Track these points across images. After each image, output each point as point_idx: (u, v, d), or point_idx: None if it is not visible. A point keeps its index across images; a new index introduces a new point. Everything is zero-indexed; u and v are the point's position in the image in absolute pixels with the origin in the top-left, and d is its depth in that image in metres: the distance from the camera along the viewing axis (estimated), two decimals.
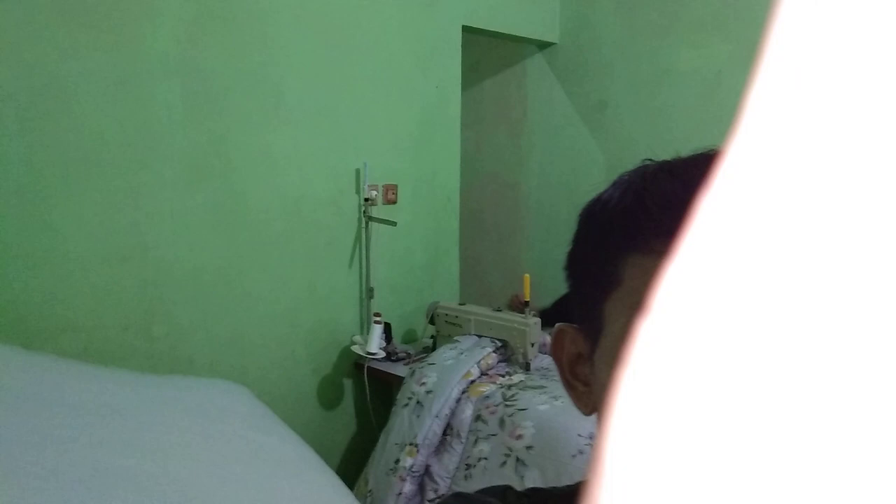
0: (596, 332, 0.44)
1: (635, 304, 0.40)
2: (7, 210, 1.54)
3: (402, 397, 2.02)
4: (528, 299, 2.14)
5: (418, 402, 1.96)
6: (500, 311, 2.20)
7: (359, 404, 2.30)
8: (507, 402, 1.85)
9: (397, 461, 1.89)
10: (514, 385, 1.93)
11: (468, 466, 1.85)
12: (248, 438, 1.60)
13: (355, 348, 2.11)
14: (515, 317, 2.13)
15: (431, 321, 2.33)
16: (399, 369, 2.18)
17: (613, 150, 2.74)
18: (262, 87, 1.98)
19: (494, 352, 2.08)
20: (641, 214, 0.41)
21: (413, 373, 2.06)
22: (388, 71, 2.31)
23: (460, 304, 2.30)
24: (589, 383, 0.46)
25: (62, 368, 1.50)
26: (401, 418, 1.98)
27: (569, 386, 0.48)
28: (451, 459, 1.90)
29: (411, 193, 2.41)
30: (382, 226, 2.23)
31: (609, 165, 2.72)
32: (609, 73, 2.74)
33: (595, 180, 2.76)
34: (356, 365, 2.24)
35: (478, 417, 1.89)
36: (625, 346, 0.21)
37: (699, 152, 0.45)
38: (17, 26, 1.51)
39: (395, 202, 2.33)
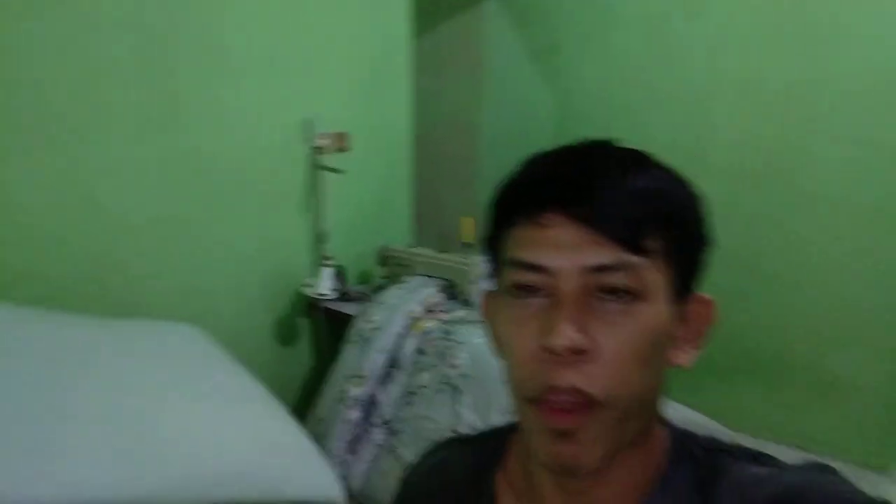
0: (495, 295, 0.54)
1: (506, 267, 0.51)
2: None
3: (351, 335, 2.17)
4: (470, 240, 2.26)
5: (365, 339, 2.11)
6: (444, 252, 2.32)
7: (315, 342, 2.46)
8: (447, 337, 2.00)
9: (344, 391, 2.05)
10: (455, 321, 2.07)
11: (410, 394, 2.02)
12: (200, 376, 1.73)
13: (306, 290, 2.24)
14: (458, 257, 2.25)
15: (383, 263, 2.46)
16: (352, 308, 2.31)
17: (564, 95, 2.80)
18: (209, 41, 2.03)
19: (440, 291, 2.21)
20: (512, 197, 0.52)
21: (362, 312, 2.20)
22: (335, 18, 2.35)
23: (409, 247, 2.41)
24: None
25: (20, 316, 1.61)
26: (349, 353, 2.13)
27: (489, 336, 0.57)
28: (395, 389, 2.06)
29: (363, 141, 2.49)
30: (335, 173, 2.32)
31: (559, 109, 2.78)
32: (560, 17, 2.77)
33: (544, 124, 2.83)
34: (312, 305, 2.38)
35: (420, 351, 2.04)
36: (503, 301, 0.48)
37: (587, 141, 0.53)
38: None
39: (346, 150, 2.41)
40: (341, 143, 2.39)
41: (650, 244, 0.47)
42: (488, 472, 0.61)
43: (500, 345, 0.53)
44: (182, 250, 2.07)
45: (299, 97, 2.28)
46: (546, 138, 1.89)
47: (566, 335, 0.45)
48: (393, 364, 2.08)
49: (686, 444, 0.54)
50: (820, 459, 0.51)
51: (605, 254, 0.46)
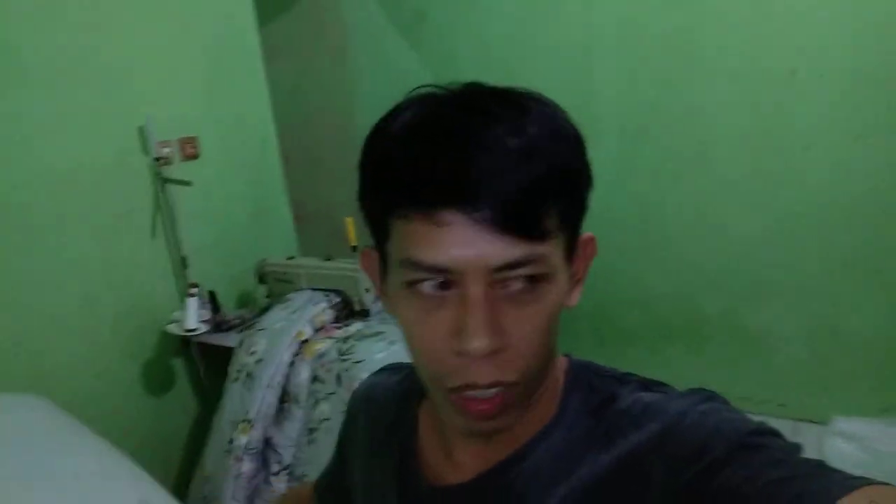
0: (384, 264, 0.52)
1: (399, 261, 0.48)
2: None
3: (232, 371, 1.85)
4: (354, 243, 1.98)
5: (248, 374, 1.80)
6: (329, 259, 2.03)
7: (194, 383, 2.11)
8: (343, 357, 1.72)
9: (231, 441, 1.74)
10: (351, 336, 1.80)
11: (311, 431, 1.73)
12: (43, 461, 1.39)
13: (171, 327, 1.89)
14: (345, 264, 1.97)
15: (262, 281, 2.14)
16: (232, 339, 1.99)
17: (439, 63, 2.56)
18: None
19: (331, 307, 1.92)
20: (398, 184, 0.46)
21: (242, 343, 1.88)
22: (163, 6, 1.98)
23: (288, 259, 2.11)
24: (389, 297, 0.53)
25: None
26: (232, 394, 1.81)
27: (382, 295, 0.55)
28: (292, 427, 1.77)
29: (218, 143, 2.14)
30: (189, 186, 1.97)
31: (436, 79, 2.54)
32: None
33: None
34: (184, 342, 2.03)
35: (315, 378, 1.76)
36: (401, 292, 0.49)
37: (462, 91, 0.49)
38: None
39: (196, 156, 2.06)
40: (188, 149, 2.04)
41: (549, 223, 0.46)
42: (413, 400, 0.65)
43: (406, 331, 0.51)
44: (0, 299, 1.67)
45: (126, 100, 1.90)
46: None
47: (481, 339, 0.45)
48: (286, 399, 1.79)
49: (582, 374, 0.56)
50: (708, 389, 0.52)
51: (510, 249, 0.45)
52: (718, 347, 2.30)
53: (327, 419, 1.71)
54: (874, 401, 2.04)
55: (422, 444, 0.62)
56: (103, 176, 1.86)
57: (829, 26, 1.89)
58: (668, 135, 2.21)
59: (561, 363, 0.57)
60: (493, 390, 0.48)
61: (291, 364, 1.79)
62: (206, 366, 2.04)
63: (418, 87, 0.51)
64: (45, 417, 1.58)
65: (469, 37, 2.45)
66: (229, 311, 2.13)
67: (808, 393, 2.12)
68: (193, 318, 1.87)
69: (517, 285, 0.46)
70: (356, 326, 1.86)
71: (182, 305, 1.98)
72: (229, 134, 2.19)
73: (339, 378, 1.70)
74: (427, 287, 0.47)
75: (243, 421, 1.75)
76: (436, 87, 0.50)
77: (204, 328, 1.92)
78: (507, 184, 0.44)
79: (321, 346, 1.79)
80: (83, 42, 1.80)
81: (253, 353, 1.82)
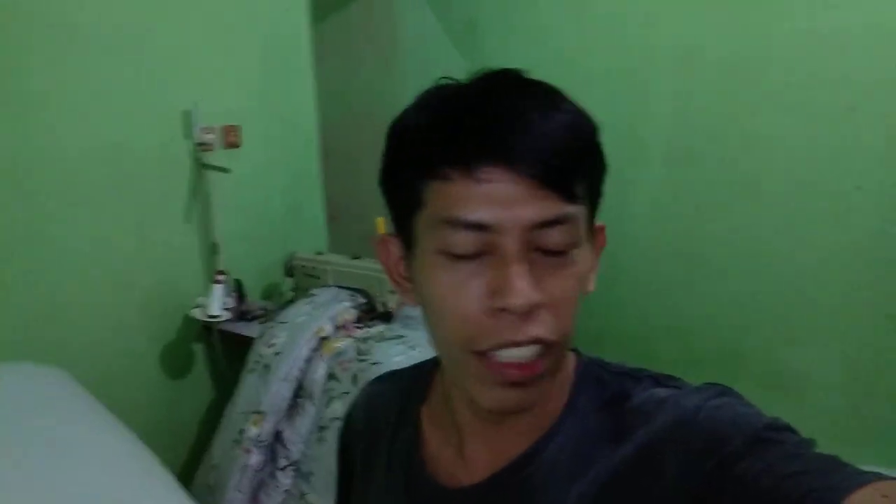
0: (409, 243, 0.52)
1: (437, 225, 0.47)
2: None
3: (249, 362, 1.84)
4: None
5: (265, 366, 1.79)
6: (358, 258, 2.02)
7: (213, 371, 2.11)
8: (361, 357, 1.70)
9: (242, 431, 1.72)
10: (372, 337, 1.78)
11: (321, 429, 1.71)
12: (58, 435, 1.39)
13: (195, 312, 1.90)
14: (373, 264, 1.96)
15: (289, 274, 2.14)
16: (254, 329, 1.98)
17: None
18: (49, 16, 1.67)
19: (354, 307, 1.90)
20: (436, 144, 0.47)
21: (263, 334, 1.87)
22: None
23: (318, 254, 2.10)
24: (411, 281, 0.53)
25: None
26: (247, 385, 1.80)
27: (396, 284, 0.56)
28: (303, 423, 1.75)
29: (261, 135, 2.16)
30: (227, 174, 1.98)
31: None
32: None
33: None
34: (206, 328, 2.03)
35: (331, 376, 1.73)
36: (432, 260, 0.48)
37: (492, 72, 0.50)
38: None
39: (237, 146, 2.08)
40: (231, 137, 2.05)
41: (579, 190, 0.48)
42: (414, 405, 0.64)
43: (433, 303, 0.50)
44: (35, 268, 1.71)
45: (176, 84, 1.93)
46: None
47: (524, 294, 0.45)
48: (300, 394, 1.77)
49: (593, 369, 0.56)
50: (722, 384, 0.51)
51: (546, 207, 0.46)
52: (751, 385, 2.17)
53: (337, 418, 1.68)
54: None
55: (427, 447, 0.61)
56: (145, 157, 1.89)
57: (890, 65, 1.82)
58: (717, 164, 2.14)
59: (570, 358, 0.57)
60: (533, 350, 0.47)
61: (309, 360, 1.77)
62: (225, 354, 2.04)
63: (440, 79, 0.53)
64: (63, 390, 1.60)
65: (520, 50, 2.43)
66: (254, 301, 2.13)
67: (841, 441, 2.01)
68: (217, 304, 1.88)
69: (550, 247, 0.47)
70: (378, 328, 1.83)
71: (208, 291, 1.98)
72: (272, 127, 2.21)
73: (355, 378, 1.67)
74: (463, 249, 0.47)
75: (256, 412, 1.73)
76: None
77: (227, 315, 1.92)
78: (547, 142, 0.45)
79: (340, 343, 1.77)
80: (141, 22, 1.84)
81: (272, 346, 1.81)
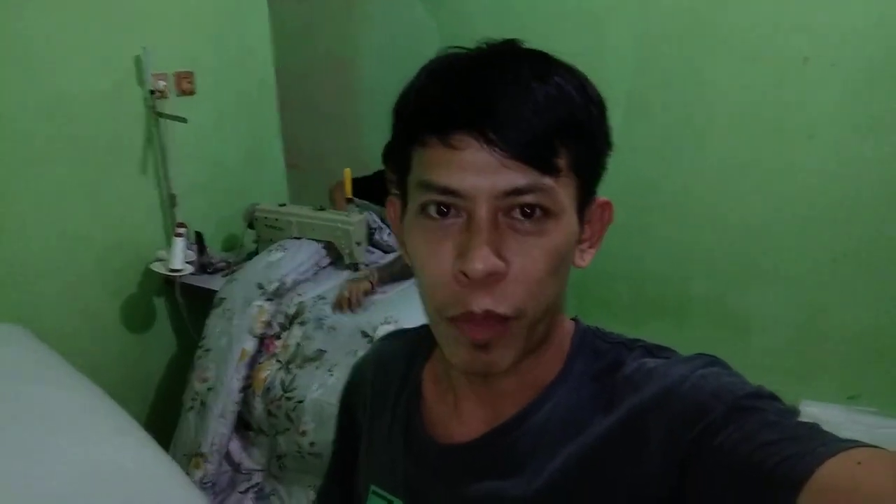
0: (403, 204, 0.54)
1: (417, 188, 0.50)
2: None
3: (186, 399, 1.81)
4: (350, 195, 1.95)
5: (202, 403, 1.77)
6: (322, 209, 2.00)
7: (175, 323, 2.09)
8: (287, 394, 1.67)
9: (187, 474, 1.71)
10: (292, 360, 1.72)
11: (279, 457, 1.72)
12: (19, 391, 1.37)
13: (156, 266, 1.87)
14: (338, 215, 1.95)
15: (251, 226, 2.11)
16: (216, 282, 1.96)
17: (450, 19, 2.49)
18: None
19: (267, 299, 1.80)
20: (419, 112, 0.50)
21: (194, 367, 1.82)
22: None
23: (280, 205, 2.08)
24: (405, 242, 0.55)
25: None
26: (186, 424, 1.78)
27: (401, 245, 0.58)
28: (261, 453, 1.78)
29: (214, 81, 2.08)
30: (184, 123, 1.92)
31: (446, 36, 2.47)
32: None
33: (431, 53, 2.52)
34: (167, 282, 2.00)
35: (269, 412, 1.72)
36: (414, 222, 0.51)
37: (491, 43, 0.52)
38: None
39: (192, 93, 2.01)
40: (185, 84, 1.98)
41: (560, 162, 0.48)
42: (417, 363, 0.66)
43: (415, 262, 0.53)
44: None
45: (125, 28, 1.84)
46: None
47: (482, 260, 0.46)
48: (250, 426, 1.77)
49: (588, 338, 0.58)
50: (710, 354, 0.52)
51: (518, 177, 0.47)
52: (701, 328, 2.31)
53: (285, 454, 1.69)
54: (843, 390, 2.08)
55: (427, 404, 0.63)
56: (97, 105, 1.81)
57: (845, 16, 1.86)
58: (673, 112, 2.17)
59: (568, 326, 0.59)
60: (488, 320, 0.49)
61: (243, 391, 1.75)
62: (188, 307, 2.02)
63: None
64: (26, 348, 1.57)
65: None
66: (215, 253, 2.11)
67: (781, 379, 2.14)
68: (179, 258, 1.85)
69: (523, 218, 0.48)
70: (295, 337, 1.75)
71: (168, 245, 1.95)
72: (228, 72, 2.13)
73: (288, 417, 1.66)
74: (436, 211, 0.49)
75: (196, 455, 1.72)
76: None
77: (189, 269, 1.90)
78: (521, 113, 0.46)
79: (266, 373, 1.74)
80: None
81: (205, 380, 1.78)
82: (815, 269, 2.06)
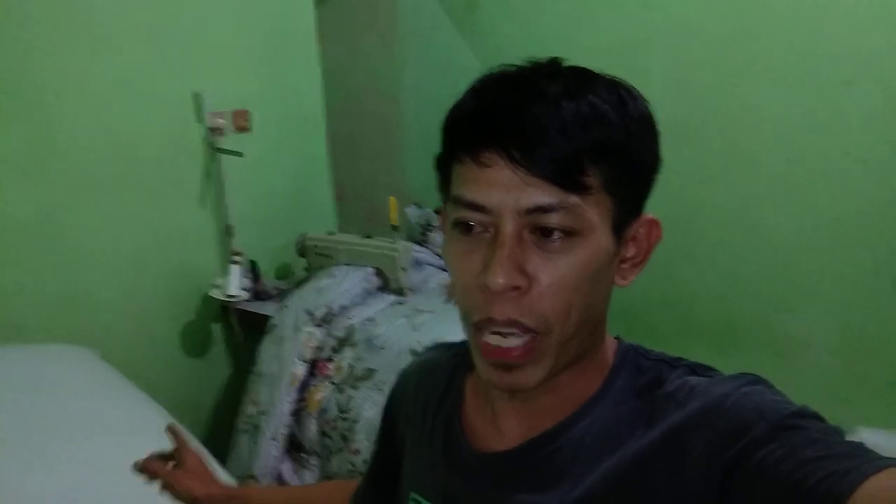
0: (446, 217, 0.56)
1: (452, 202, 0.52)
2: None
3: (239, 422, 1.88)
4: (395, 223, 2.02)
5: (255, 426, 1.83)
6: (369, 237, 2.08)
7: (231, 348, 2.18)
8: (343, 414, 1.72)
9: None
10: (345, 381, 1.76)
11: (330, 477, 1.76)
12: (88, 408, 1.46)
13: (213, 292, 1.96)
14: (384, 242, 2.02)
15: (301, 254, 2.20)
16: (270, 309, 2.04)
17: (488, 54, 2.58)
18: (67, 7, 1.70)
19: (316, 325, 1.85)
20: (457, 130, 0.53)
21: (247, 391, 1.89)
22: None
23: (329, 234, 2.16)
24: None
25: None
26: (239, 447, 1.84)
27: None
28: (311, 476, 1.81)
29: (267, 118, 2.20)
30: (239, 157, 2.03)
31: (485, 69, 2.56)
32: None
33: None
34: (223, 308, 2.10)
35: (323, 433, 1.77)
36: (450, 234, 0.54)
37: (532, 61, 0.53)
38: None
39: (246, 129, 2.12)
40: (241, 121, 2.10)
41: (589, 180, 0.48)
42: (459, 374, 0.68)
43: (450, 271, 0.55)
44: (55, 256, 1.75)
45: (185, 70, 1.97)
46: None
47: (501, 275, 0.48)
48: (302, 449, 1.81)
49: (630, 355, 0.58)
50: (754, 373, 0.52)
51: (542, 195, 0.48)
52: (747, 351, 2.29)
53: (336, 474, 1.72)
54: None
55: (468, 413, 0.65)
56: (159, 141, 1.93)
57: (887, 39, 1.87)
58: (717, 136, 2.20)
59: (611, 343, 0.59)
60: (511, 333, 0.50)
61: (296, 414, 1.80)
62: (243, 332, 2.10)
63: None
64: (93, 368, 1.66)
65: (520, 29, 2.47)
66: (269, 281, 2.19)
67: (833, 402, 2.10)
68: (236, 284, 1.94)
69: (550, 235, 0.49)
70: (347, 359, 1.79)
71: (224, 272, 2.04)
72: (279, 110, 2.25)
73: (343, 437, 1.70)
74: (466, 225, 0.52)
75: (249, 477, 1.77)
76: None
77: (244, 295, 1.98)
78: (547, 132, 0.47)
79: (321, 394, 1.78)
80: (150, 10, 1.87)
81: (256, 404, 1.85)
82: (861, 285, 2.04)
